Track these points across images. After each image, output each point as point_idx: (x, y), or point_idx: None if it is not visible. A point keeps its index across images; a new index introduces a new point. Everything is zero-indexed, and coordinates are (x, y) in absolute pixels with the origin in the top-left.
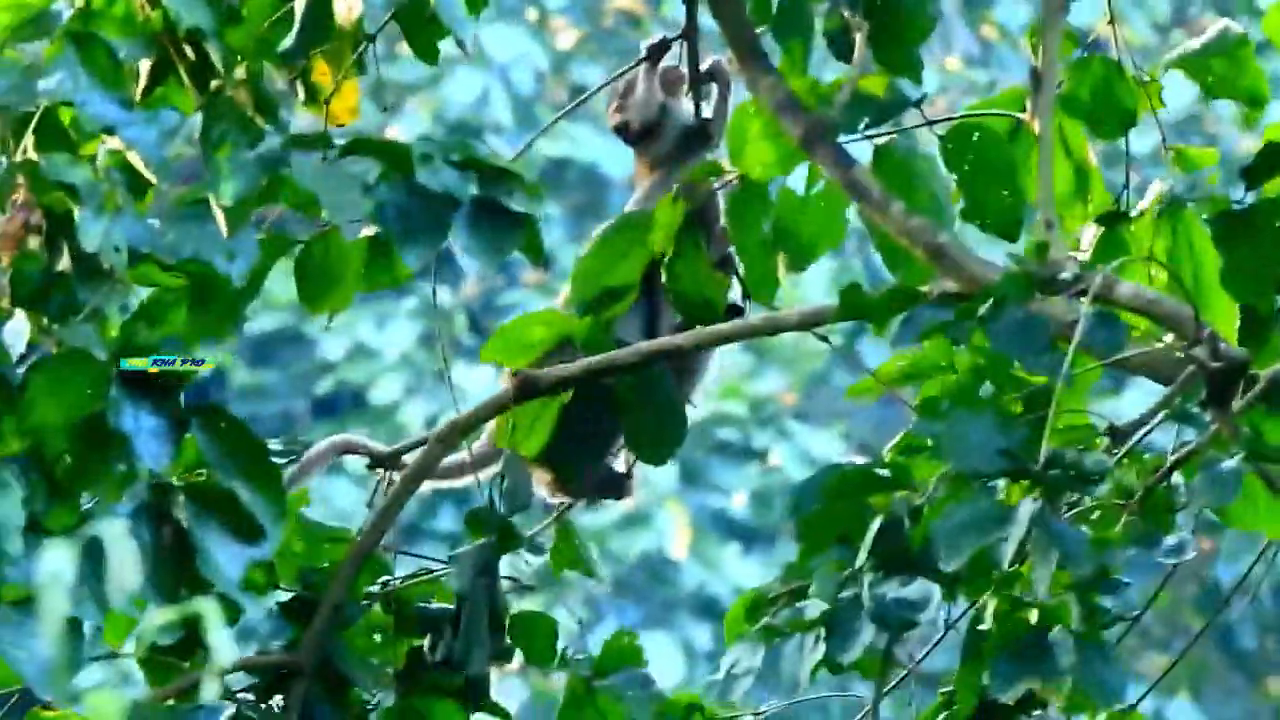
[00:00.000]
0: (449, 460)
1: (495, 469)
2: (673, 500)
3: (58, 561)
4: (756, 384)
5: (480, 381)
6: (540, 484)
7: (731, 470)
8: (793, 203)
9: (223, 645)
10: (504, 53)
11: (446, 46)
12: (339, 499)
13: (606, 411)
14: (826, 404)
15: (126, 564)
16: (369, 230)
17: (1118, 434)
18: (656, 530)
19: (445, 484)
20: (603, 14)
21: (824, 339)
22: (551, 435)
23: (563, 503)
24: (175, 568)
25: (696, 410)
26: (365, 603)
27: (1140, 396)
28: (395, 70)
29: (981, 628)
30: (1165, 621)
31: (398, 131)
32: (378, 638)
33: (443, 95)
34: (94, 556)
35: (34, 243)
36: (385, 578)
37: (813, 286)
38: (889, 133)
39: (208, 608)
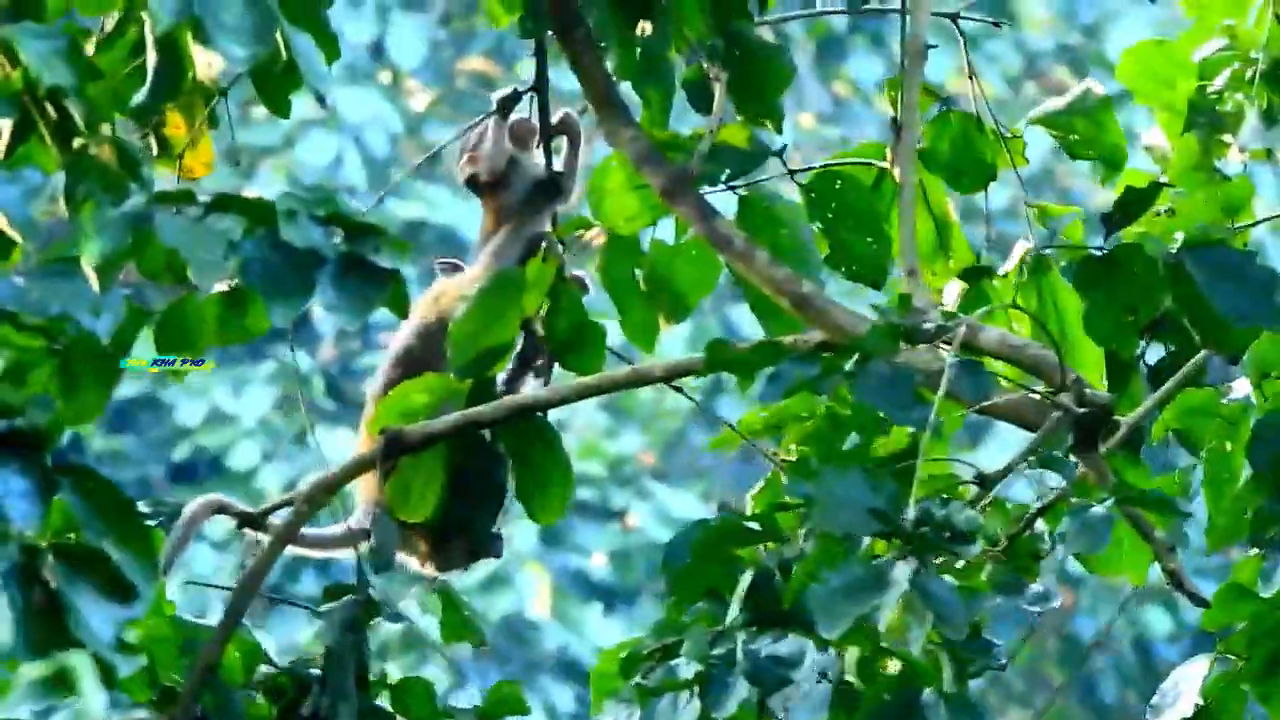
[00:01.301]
0: (319, 531)
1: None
2: (533, 561)
3: None
4: (615, 443)
5: (340, 445)
6: (413, 553)
7: (591, 530)
8: (664, 253)
9: (94, 697)
10: (357, 115)
11: (299, 109)
12: (199, 564)
13: (492, 470)
14: (685, 463)
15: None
16: (222, 286)
17: (985, 482)
18: (517, 591)
19: (316, 553)
20: (455, 75)
21: (679, 389)
22: (438, 499)
23: (438, 572)
24: (47, 629)
25: None
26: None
27: (998, 448)
28: (249, 133)
29: (848, 678)
30: (1026, 676)
31: (252, 194)
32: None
33: (296, 158)
34: None
35: None
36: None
37: (671, 342)
38: (751, 182)
39: (80, 662)
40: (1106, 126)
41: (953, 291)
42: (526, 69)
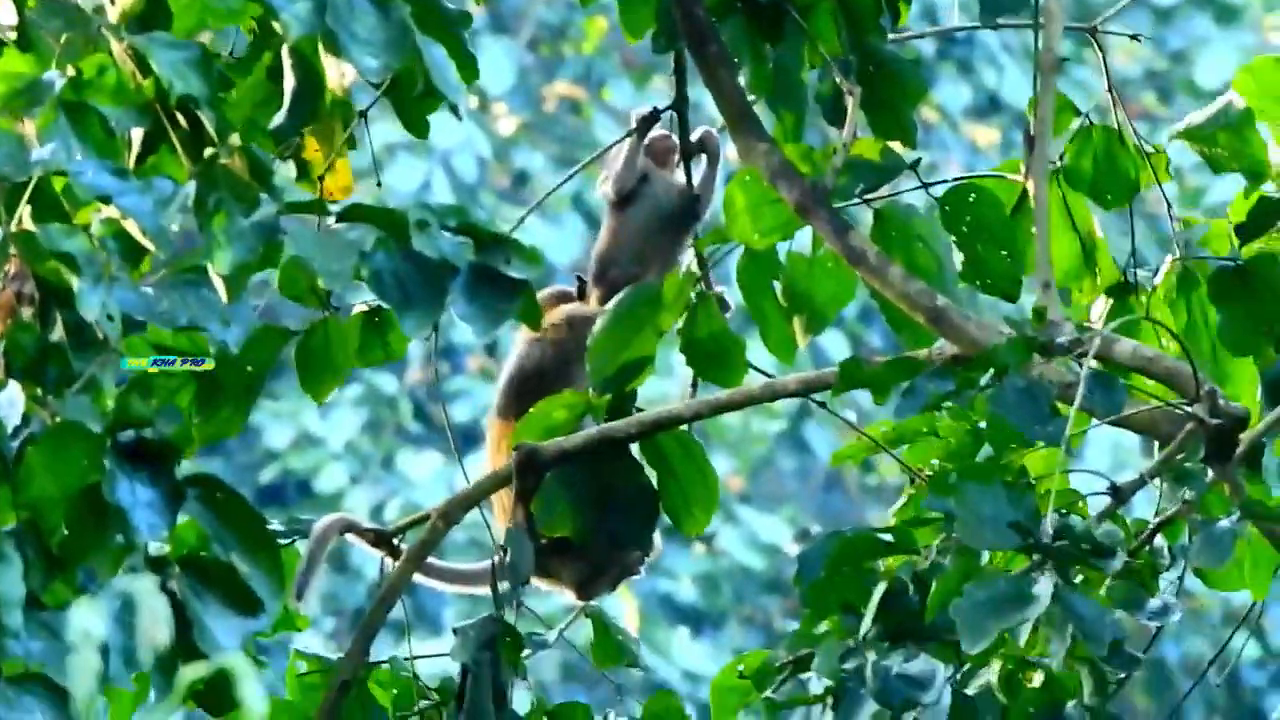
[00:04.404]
0: (457, 566)
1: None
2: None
3: (88, 620)
4: None
5: (427, 468)
6: (562, 581)
7: (678, 555)
8: (801, 266)
9: (255, 699)
10: (445, 140)
11: (386, 133)
12: None
13: (641, 483)
14: (772, 488)
15: (158, 621)
16: (360, 307)
17: (1119, 493)
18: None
19: (454, 588)
20: (543, 100)
21: (822, 405)
22: (586, 517)
23: (587, 598)
24: (174, 641)
25: None
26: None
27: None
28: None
29: (969, 691)
30: (1114, 702)
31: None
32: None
33: (385, 182)
34: (125, 615)
35: (28, 313)
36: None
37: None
38: (885, 196)
39: (238, 663)
40: (1249, 139)
41: (1099, 309)
42: (614, 93)
